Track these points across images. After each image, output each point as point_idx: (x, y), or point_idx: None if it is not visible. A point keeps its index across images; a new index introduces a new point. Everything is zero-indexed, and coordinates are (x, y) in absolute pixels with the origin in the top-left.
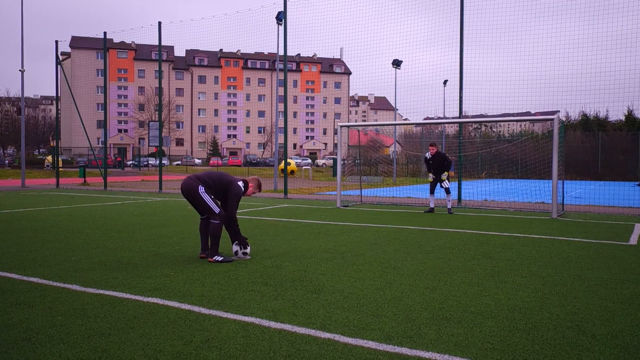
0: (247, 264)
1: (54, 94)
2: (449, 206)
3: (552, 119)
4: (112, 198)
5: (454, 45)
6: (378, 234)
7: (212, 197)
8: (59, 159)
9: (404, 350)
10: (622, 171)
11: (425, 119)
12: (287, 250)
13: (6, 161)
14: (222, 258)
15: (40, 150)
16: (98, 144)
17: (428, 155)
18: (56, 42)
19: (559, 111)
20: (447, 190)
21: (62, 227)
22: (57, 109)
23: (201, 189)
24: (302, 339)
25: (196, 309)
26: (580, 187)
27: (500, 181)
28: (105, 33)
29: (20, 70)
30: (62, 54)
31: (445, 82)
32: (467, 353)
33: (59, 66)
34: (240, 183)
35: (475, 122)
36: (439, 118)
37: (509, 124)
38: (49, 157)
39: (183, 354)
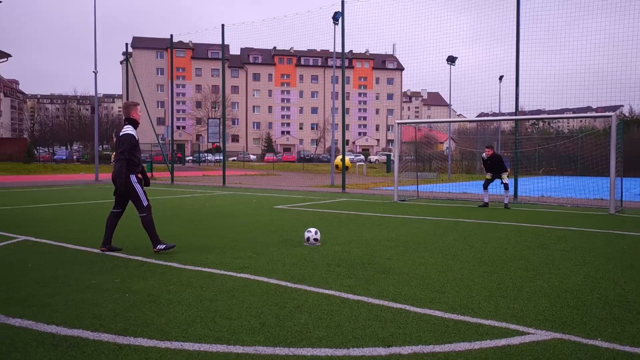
0: (319, 250)
1: (115, 93)
2: (506, 201)
3: (610, 116)
4: (181, 191)
5: (510, 40)
6: (436, 226)
7: (143, 189)
8: None
9: (467, 318)
10: None
11: (479, 114)
12: (353, 238)
13: (75, 156)
14: (164, 246)
15: (104, 146)
16: (158, 140)
17: (484, 156)
18: (126, 45)
19: (622, 106)
20: (506, 186)
21: None
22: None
23: (132, 178)
24: (377, 308)
25: (283, 283)
26: None
27: (558, 178)
28: (172, 36)
29: (93, 72)
30: (123, 53)
31: (500, 77)
32: (521, 322)
33: (128, 67)
34: (126, 127)
35: (530, 119)
36: (494, 114)
37: (568, 120)
38: (114, 154)
39: (280, 315)
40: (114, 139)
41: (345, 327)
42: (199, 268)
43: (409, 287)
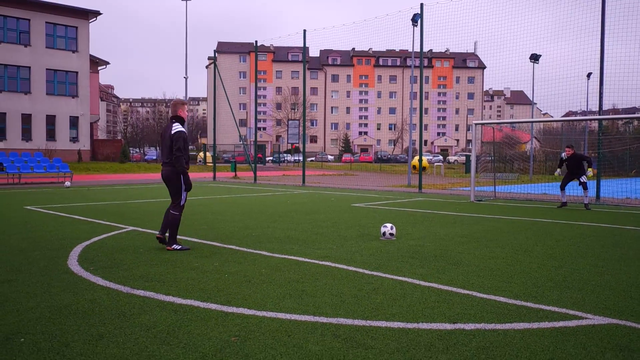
0: (394, 243)
1: (199, 96)
2: (586, 201)
3: None
4: (263, 190)
5: (596, 34)
6: (511, 225)
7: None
8: (209, 155)
9: (529, 304)
10: None
11: (566, 113)
12: (427, 234)
13: None
14: (180, 247)
15: (190, 147)
16: (240, 141)
17: (564, 155)
18: (215, 51)
19: None
20: (585, 186)
21: (234, 212)
22: (214, 111)
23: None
24: (446, 293)
25: (360, 270)
26: None
27: None
28: (256, 42)
29: (184, 77)
30: (209, 58)
31: (589, 75)
32: (581, 309)
33: (216, 71)
34: (175, 125)
35: (611, 119)
36: (583, 113)
37: None
38: (201, 154)
39: (358, 295)
40: (200, 140)
41: (416, 307)
42: (285, 256)
43: (477, 277)
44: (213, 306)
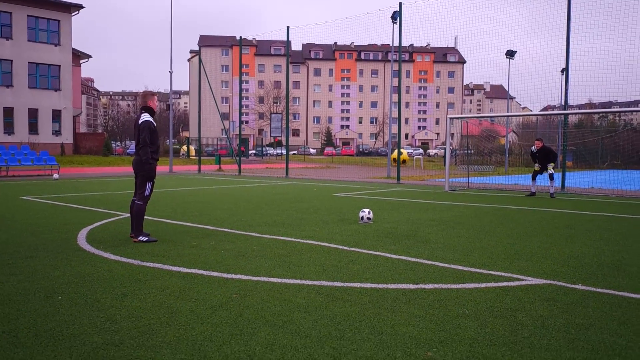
0: (371, 226)
1: (181, 89)
2: (552, 191)
3: None
4: (248, 181)
5: (574, 32)
6: (478, 211)
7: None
8: (192, 148)
9: (482, 271)
10: None
11: (545, 107)
12: (401, 219)
13: None
14: (146, 238)
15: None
16: (222, 134)
17: (534, 148)
18: (199, 46)
19: None
20: (551, 177)
21: (222, 201)
22: (199, 104)
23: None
24: (413, 263)
25: (340, 247)
26: None
27: (621, 172)
28: (241, 37)
29: (169, 72)
30: (191, 51)
31: (562, 70)
32: (524, 273)
33: (200, 65)
34: (144, 115)
35: (576, 114)
36: (560, 107)
37: None
38: (184, 147)
39: (338, 266)
40: (182, 134)
41: (386, 273)
42: (273, 236)
43: (441, 251)
44: (214, 274)
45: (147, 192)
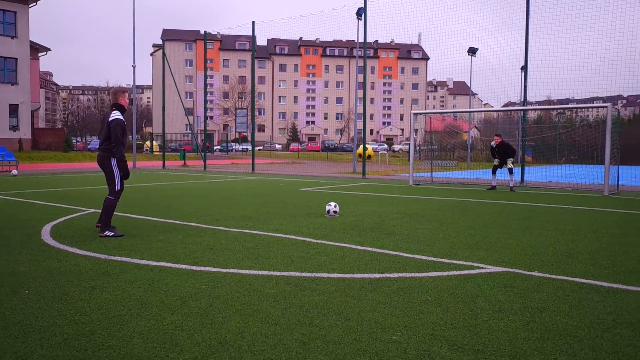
0: (337, 219)
1: (144, 84)
2: (511, 184)
3: (606, 107)
4: (214, 176)
5: (533, 30)
6: (441, 204)
7: (121, 173)
8: (155, 143)
9: (444, 260)
10: None
11: (506, 103)
12: (366, 212)
13: None
14: (112, 233)
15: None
16: (186, 130)
17: (493, 144)
18: (163, 41)
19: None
20: (510, 171)
21: (189, 196)
22: (163, 99)
23: (113, 161)
24: (378, 254)
25: (307, 239)
26: None
27: (577, 166)
28: (205, 32)
29: (132, 66)
30: (154, 45)
31: (522, 67)
32: (484, 262)
33: (164, 59)
34: (114, 113)
35: (534, 110)
36: (520, 104)
37: (597, 110)
38: (147, 143)
39: (305, 257)
40: (146, 129)
41: (352, 264)
42: (241, 230)
43: (405, 242)
44: (183, 266)
45: (117, 187)
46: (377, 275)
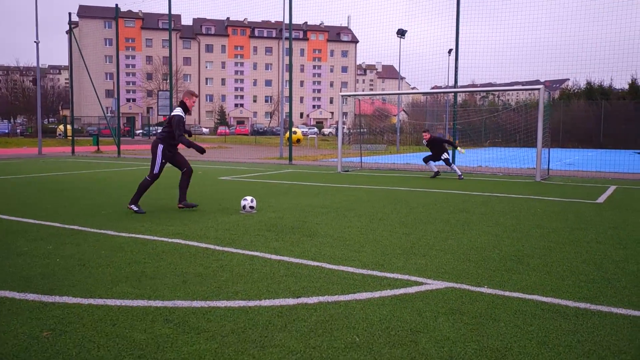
0: (253, 217)
1: (61, 64)
2: (459, 173)
3: (539, 89)
4: (126, 164)
5: (454, 15)
6: (371, 194)
7: (163, 160)
8: (69, 127)
9: (375, 273)
10: (624, 140)
11: (433, 87)
12: (289, 206)
13: (18, 130)
14: (137, 209)
15: (50, 119)
16: (107, 113)
17: (424, 141)
18: (69, 14)
19: (568, 80)
20: (447, 162)
21: (87, 189)
22: (71, 80)
23: (160, 147)
24: (296, 266)
25: (212, 246)
26: (579, 154)
27: (502, 149)
28: (117, 5)
29: (35, 42)
30: (71, 23)
31: (449, 51)
32: (423, 275)
33: (72, 37)
34: (178, 109)
35: (464, 92)
36: (446, 87)
37: (517, 93)
38: (61, 126)
39: (203, 274)
40: (62, 112)
41: (261, 283)
42: (132, 235)
43: (330, 247)
44: (31, 296)
45: (155, 171)
46: (291, 302)
